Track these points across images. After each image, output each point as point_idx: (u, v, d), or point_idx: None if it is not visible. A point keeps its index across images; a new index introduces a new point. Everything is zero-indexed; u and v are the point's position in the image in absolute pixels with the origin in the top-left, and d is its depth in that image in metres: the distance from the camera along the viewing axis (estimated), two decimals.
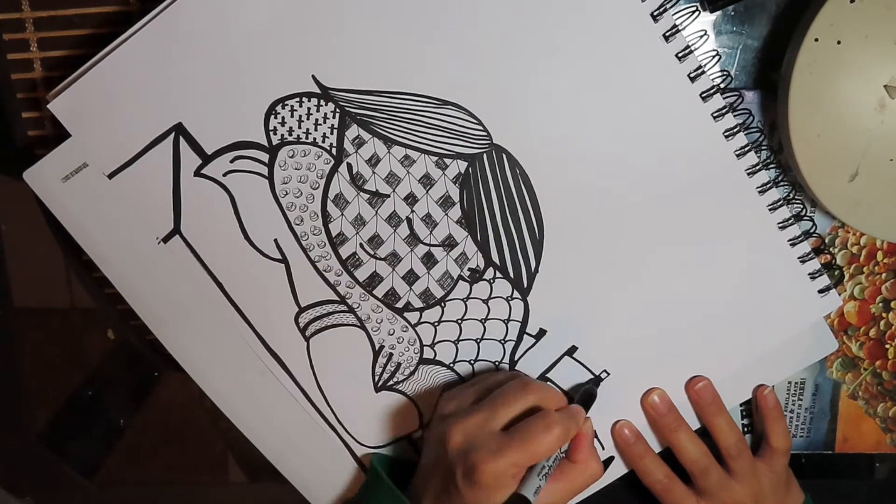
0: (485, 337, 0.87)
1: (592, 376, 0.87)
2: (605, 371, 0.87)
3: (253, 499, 1.01)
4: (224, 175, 0.83)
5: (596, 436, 0.88)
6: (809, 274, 0.83)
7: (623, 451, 0.89)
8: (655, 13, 0.76)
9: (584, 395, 0.85)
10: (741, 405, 0.89)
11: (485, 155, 0.81)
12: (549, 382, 0.88)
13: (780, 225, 0.81)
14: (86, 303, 0.95)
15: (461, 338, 0.87)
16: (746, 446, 0.87)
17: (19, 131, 0.90)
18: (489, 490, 0.75)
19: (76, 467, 1.00)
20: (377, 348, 0.88)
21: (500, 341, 0.87)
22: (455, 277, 0.85)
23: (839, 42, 0.76)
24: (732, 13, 0.84)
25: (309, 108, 0.81)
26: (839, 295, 0.85)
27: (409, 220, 0.84)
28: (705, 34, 0.79)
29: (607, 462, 0.89)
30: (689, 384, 0.87)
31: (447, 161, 0.82)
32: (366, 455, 0.92)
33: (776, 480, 0.87)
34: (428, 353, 0.88)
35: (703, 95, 0.78)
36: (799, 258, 0.82)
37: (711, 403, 0.86)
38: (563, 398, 0.82)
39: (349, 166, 0.82)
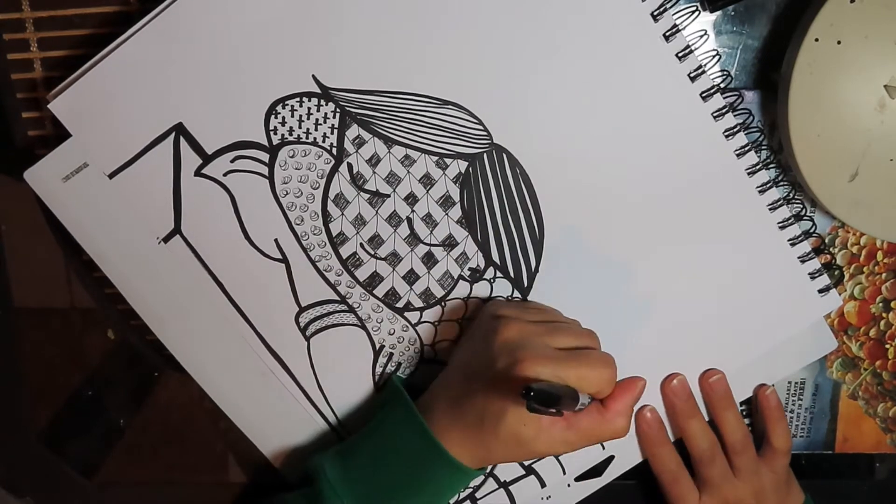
0: None
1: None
2: None
3: (253, 499, 1.01)
4: (224, 175, 0.83)
5: None
6: (809, 274, 0.83)
7: (643, 435, 0.89)
8: (655, 13, 0.77)
9: None
10: (741, 404, 0.89)
11: (485, 155, 0.82)
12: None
13: (780, 224, 0.81)
14: (86, 303, 0.95)
15: (462, 337, 0.87)
16: (752, 444, 0.87)
17: (19, 131, 0.90)
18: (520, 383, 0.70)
19: (76, 467, 1.00)
20: (377, 348, 0.87)
21: None
22: (455, 277, 0.85)
23: (839, 42, 0.76)
24: (732, 13, 0.84)
25: (309, 108, 0.81)
26: (839, 295, 0.85)
27: (410, 220, 0.84)
28: (705, 34, 0.80)
29: (607, 461, 0.90)
30: (703, 376, 0.87)
31: (447, 161, 0.82)
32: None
33: (777, 480, 0.87)
34: (428, 353, 0.88)
35: (704, 95, 0.78)
36: (799, 258, 0.83)
37: (724, 398, 0.86)
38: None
39: (349, 166, 0.82)
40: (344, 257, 0.85)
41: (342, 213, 0.83)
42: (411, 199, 0.83)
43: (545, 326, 0.78)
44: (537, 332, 0.76)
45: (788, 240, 0.82)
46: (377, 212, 0.83)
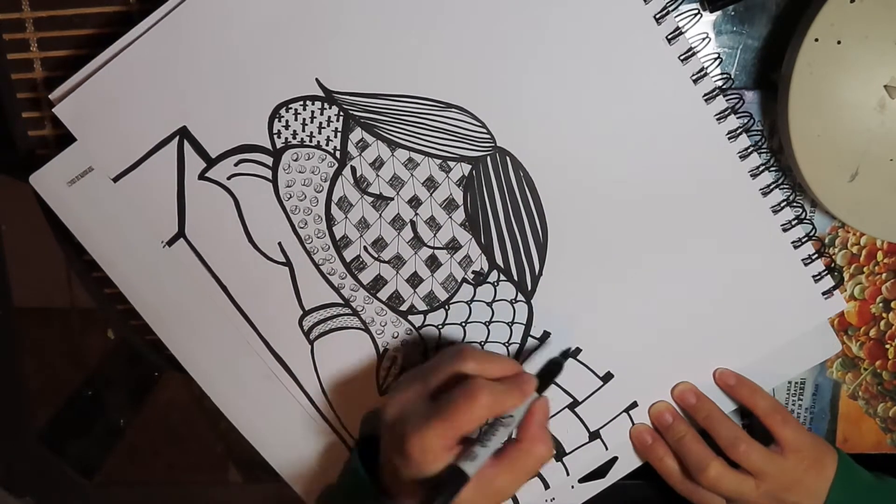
0: (489, 340, 0.87)
1: (562, 353, 0.86)
2: (609, 373, 0.87)
3: (253, 499, 1.01)
4: (228, 178, 0.83)
5: (599, 436, 0.89)
6: (813, 276, 0.83)
7: (640, 454, 0.90)
8: (658, 15, 0.77)
9: (547, 366, 0.82)
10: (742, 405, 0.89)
11: (488, 158, 0.82)
12: (552, 384, 0.87)
13: (784, 226, 0.82)
14: (86, 303, 0.95)
15: (465, 341, 0.87)
16: (785, 410, 0.87)
17: (20, 131, 0.90)
18: (420, 462, 0.71)
19: (76, 467, 1.00)
20: (381, 351, 0.88)
21: (504, 344, 0.87)
22: (459, 280, 0.85)
23: (839, 42, 0.76)
24: (732, 13, 0.84)
25: (313, 112, 0.81)
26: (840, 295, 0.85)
27: (413, 223, 0.84)
28: (707, 36, 0.80)
29: (610, 463, 0.90)
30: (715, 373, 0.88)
31: (451, 164, 0.82)
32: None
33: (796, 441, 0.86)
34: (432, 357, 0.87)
35: (706, 97, 0.79)
36: (802, 260, 0.83)
37: (739, 385, 0.87)
38: (513, 367, 0.78)
39: (353, 169, 0.82)
40: (348, 260, 0.85)
41: (346, 217, 0.83)
42: (415, 203, 0.83)
43: (418, 380, 0.76)
44: (412, 396, 0.75)
45: (792, 242, 0.82)
46: (381, 215, 0.83)
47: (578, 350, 0.86)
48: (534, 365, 0.82)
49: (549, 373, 0.82)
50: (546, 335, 0.86)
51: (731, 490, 0.85)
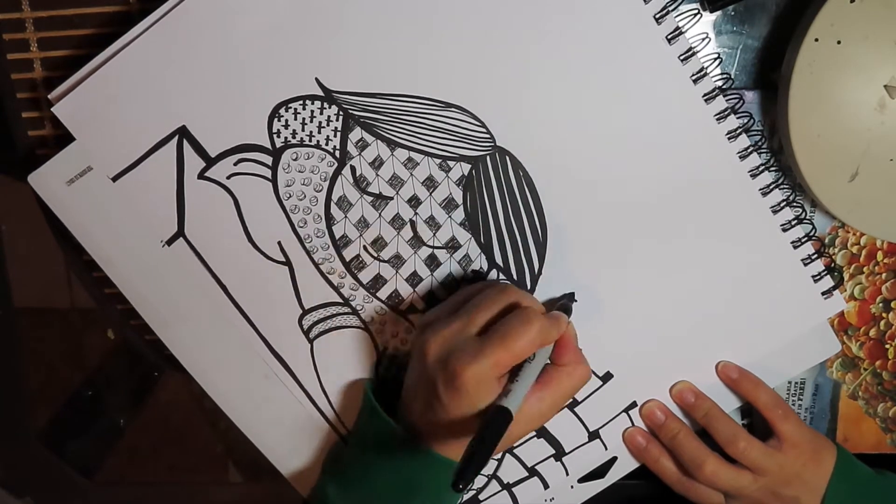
0: None
1: (566, 296, 0.86)
2: (608, 373, 0.87)
3: (253, 499, 1.01)
4: (228, 178, 0.83)
5: (599, 436, 0.89)
6: (813, 276, 0.83)
7: (636, 457, 0.90)
8: (658, 15, 0.77)
9: (561, 308, 0.82)
10: (742, 405, 0.89)
11: (488, 157, 0.82)
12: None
13: (784, 227, 0.82)
14: (86, 303, 0.95)
15: None
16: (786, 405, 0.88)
17: (19, 131, 0.90)
18: (473, 395, 0.72)
19: (76, 467, 1.00)
20: (381, 350, 0.88)
21: None
22: (459, 279, 0.85)
23: (839, 42, 0.76)
24: (732, 13, 0.84)
25: (312, 111, 0.81)
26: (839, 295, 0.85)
27: (413, 223, 0.84)
28: (707, 37, 0.80)
29: (609, 463, 0.90)
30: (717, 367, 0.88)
31: (450, 163, 0.82)
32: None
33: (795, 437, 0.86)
34: None
35: (706, 97, 0.79)
36: (802, 260, 0.83)
37: (741, 379, 0.87)
38: (540, 305, 0.79)
39: (353, 169, 0.82)
40: (347, 260, 0.85)
41: (345, 216, 0.83)
42: (414, 202, 0.83)
43: (461, 317, 0.76)
44: (456, 331, 0.75)
45: (791, 242, 0.82)
46: (380, 214, 0.83)
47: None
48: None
49: (565, 309, 0.81)
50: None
51: (728, 485, 0.86)
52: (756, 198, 0.81)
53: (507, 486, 0.91)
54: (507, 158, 0.81)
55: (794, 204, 0.82)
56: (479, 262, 0.84)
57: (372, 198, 0.83)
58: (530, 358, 0.74)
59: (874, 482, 0.87)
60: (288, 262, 0.85)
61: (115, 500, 1.02)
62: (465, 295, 0.80)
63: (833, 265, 0.88)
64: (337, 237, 0.84)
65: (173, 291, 0.86)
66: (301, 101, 0.80)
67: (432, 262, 0.85)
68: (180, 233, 0.84)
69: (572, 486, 0.92)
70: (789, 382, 0.92)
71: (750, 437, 0.85)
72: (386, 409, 0.81)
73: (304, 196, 0.83)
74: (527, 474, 0.91)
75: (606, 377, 0.87)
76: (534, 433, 0.90)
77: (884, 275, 0.89)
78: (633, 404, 0.89)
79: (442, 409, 0.74)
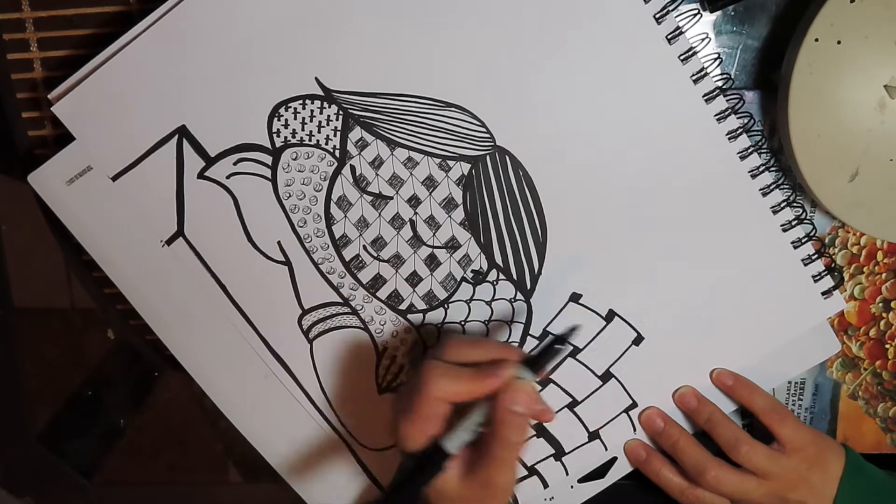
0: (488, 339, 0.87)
1: (566, 331, 0.82)
2: (608, 372, 0.87)
3: (253, 499, 1.01)
4: (227, 177, 0.83)
5: (599, 436, 0.89)
6: (813, 276, 0.83)
7: (635, 465, 0.90)
8: (658, 15, 0.77)
9: (545, 346, 0.75)
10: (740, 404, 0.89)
11: (488, 157, 0.82)
12: (551, 383, 0.88)
13: (784, 227, 0.82)
14: (86, 303, 0.95)
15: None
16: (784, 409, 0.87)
17: (19, 131, 0.90)
18: (402, 446, 0.71)
19: (76, 467, 1.00)
20: (380, 350, 0.88)
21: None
22: (458, 279, 0.85)
23: (839, 42, 0.76)
24: (732, 13, 0.84)
25: (312, 111, 0.81)
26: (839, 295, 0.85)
27: (413, 222, 0.84)
28: (707, 37, 0.80)
29: (609, 463, 0.90)
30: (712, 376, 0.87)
31: (450, 163, 0.82)
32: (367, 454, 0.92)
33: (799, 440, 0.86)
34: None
35: (706, 97, 0.79)
36: (802, 260, 0.83)
37: (737, 385, 0.87)
38: (496, 352, 0.73)
39: (352, 168, 0.82)
40: (347, 259, 0.85)
41: (345, 216, 0.83)
42: (414, 202, 0.83)
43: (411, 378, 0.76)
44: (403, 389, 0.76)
45: (792, 242, 0.82)
46: (380, 214, 0.83)
47: (577, 349, 0.87)
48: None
49: (546, 353, 0.73)
50: (545, 334, 0.86)
51: (733, 491, 0.85)
52: (756, 198, 0.81)
53: None
54: (507, 158, 0.81)
55: (795, 204, 0.82)
56: (479, 262, 0.84)
57: (372, 197, 0.83)
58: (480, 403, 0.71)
59: (886, 484, 0.87)
60: (287, 262, 0.85)
61: (115, 500, 1.02)
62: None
63: (833, 265, 0.88)
64: (337, 237, 0.84)
65: (173, 291, 0.86)
66: (301, 101, 0.80)
67: (432, 261, 0.85)
68: (180, 232, 0.84)
69: (572, 486, 0.92)
70: (789, 382, 0.92)
71: (753, 441, 0.85)
72: None
73: (304, 196, 0.83)
74: (526, 473, 0.91)
75: (606, 377, 0.87)
76: (533, 432, 0.90)
77: (884, 275, 0.89)
78: (634, 404, 0.88)
79: None
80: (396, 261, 0.85)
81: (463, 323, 0.86)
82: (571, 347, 0.86)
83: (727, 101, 0.79)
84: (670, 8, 0.77)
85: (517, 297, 0.85)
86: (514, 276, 0.85)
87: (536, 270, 0.84)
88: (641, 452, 0.89)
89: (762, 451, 0.84)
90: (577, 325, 0.84)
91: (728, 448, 0.85)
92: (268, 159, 0.82)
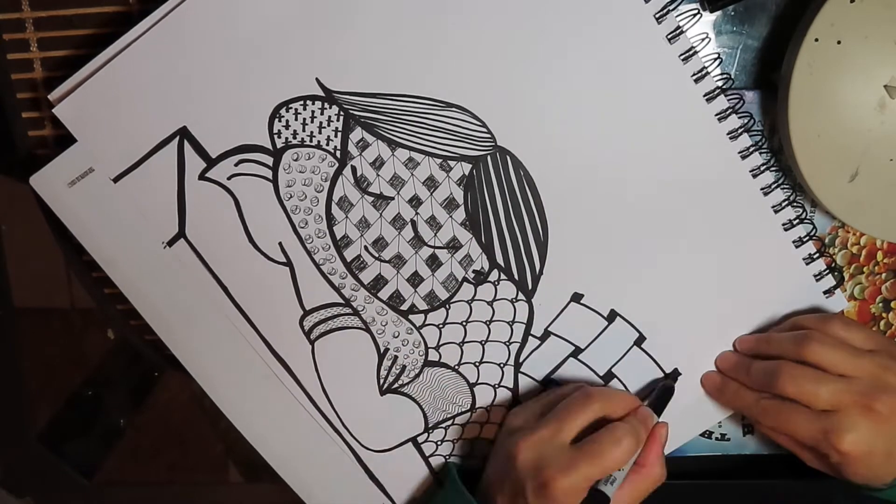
0: (489, 339, 0.87)
1: (663, 373, 0.88)
2: (609, 372, 0.88)
3: (253, 499, 1.01)
4: (228, 178, 0.83)
5: None
6: (814, 275, 0.84)
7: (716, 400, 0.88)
8: (658, 15, 0.77)
9: (660, 392, 0.85)
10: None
11: (489, 157, 0.82)
12: (553, 385, 0.88)
13: (785, 226, 0.82)
14: (86, 303, 0.95)
15: (466, 340, 0.87)
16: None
17: (19, 131, 0.90)
18: (563, 502, 0.76)
19: (76, 467, 1.00)
20: (382, 351, 0.87)
21: (504, 343, 0.87)
22: (460, 279, 0.85)
23: (839, 42, 0.76)
24: (732, 13, 0.84)
25: (313, 112, 0.81)
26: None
27: (414, 223, 0.84)
28: (707, 36, 0.80)
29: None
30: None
31: (451, 163, 0.82)
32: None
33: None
34: (433, 356, 0.88)
35: (707, 97, 0.79)
36: (803, 259, 0.83)
37: (757, 342, 0.85)
38: (631, 400, 0.82)
39: (353, 169, 0.82)
40: (348, 260, 0.85)
41: (346, 216, 0.83)
42: (415, 202, 0.83)
43: (552, 424, 0.79)
44: (547, 439, 0.78)
45: (793, 241, 0.82)
46: (381, 214, 0.83)
47: (579, 350, 0.87)
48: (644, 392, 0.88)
49: (662, 398, 0.85)
50: (547, 335, 0.86)
51: (811, 389, 0.77)
52: (757, 197, 0.81)
53: None
54: (508, 158, 0.81)
55: (795, 204, 0.82)
56: (480, 262, 0.84)
57: (373, 198, 0.83)
58: None
59: None
60: (289, 263, 0.85)
61: (115, 500, 1.02)
62: (551, 398, 0.83)
63: (833, 265, 0.88)
64: (338, 237, 0.84)
65: (174, 292, 0.86)
66: (302, 102, 0.80)
67: (433, 262, 0.85)
68: (181, 234, 0.84)
69: None
70: None
71: (822, 337, 0.78)
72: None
73: (305, 196, 0.83)
74: None
75: (609, 377, 0.88)
76: None
77: (884, 275, 0.89)
78: None
79: None
80: (398, 261, 0.85)
81: (464, 323, 0.86)
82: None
83: (727, 100, 0.79)
84: (670, 8, 0.77)
85: (518, 298, 0.85)
86: (516, 277, 0.85)
87: (538, 270, 0.84)
88: (717, 378, 0.86)
89: (836, 344, 0.78)
90: (677, 370, 0.87)
91: (794, 349, 0.78)
92: (269, 160, 0.82)
